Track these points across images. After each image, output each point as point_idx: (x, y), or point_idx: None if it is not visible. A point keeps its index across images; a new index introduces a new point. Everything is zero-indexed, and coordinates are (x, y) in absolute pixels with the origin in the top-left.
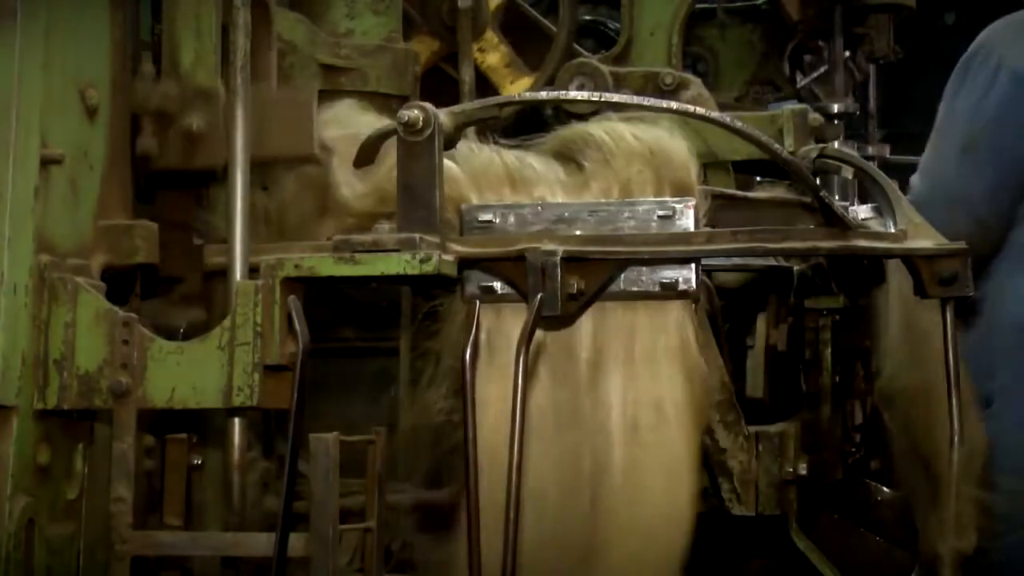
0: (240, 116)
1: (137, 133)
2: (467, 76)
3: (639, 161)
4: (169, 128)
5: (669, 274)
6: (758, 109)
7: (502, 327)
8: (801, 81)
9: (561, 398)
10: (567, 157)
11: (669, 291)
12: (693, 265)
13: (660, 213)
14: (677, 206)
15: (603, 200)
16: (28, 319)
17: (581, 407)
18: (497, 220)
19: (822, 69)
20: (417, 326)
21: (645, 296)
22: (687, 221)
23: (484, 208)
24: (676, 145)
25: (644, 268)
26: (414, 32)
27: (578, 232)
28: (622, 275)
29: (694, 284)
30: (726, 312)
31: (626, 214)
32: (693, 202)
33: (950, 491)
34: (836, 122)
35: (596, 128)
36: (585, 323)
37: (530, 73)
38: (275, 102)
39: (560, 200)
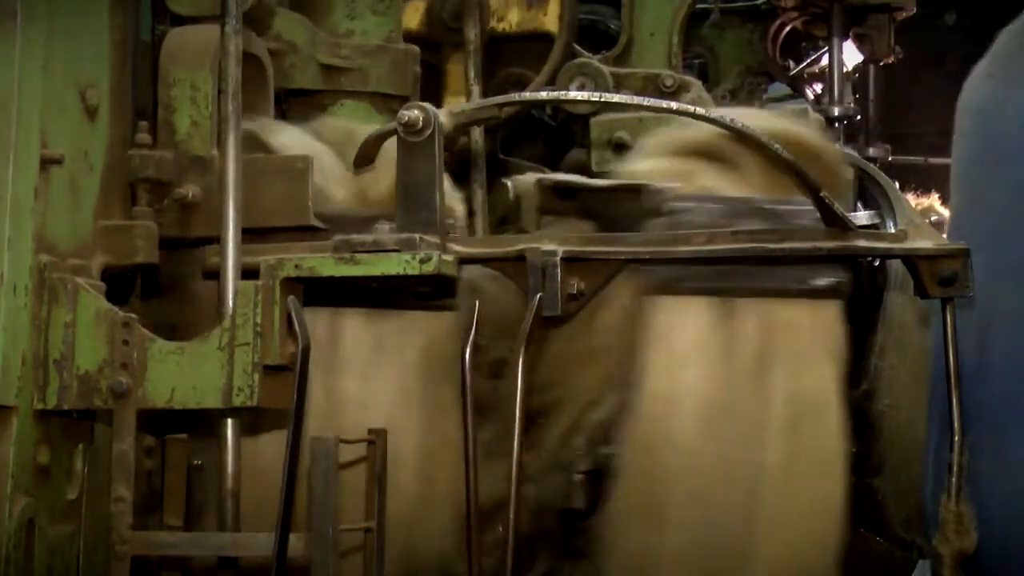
0: (232, 110)
1: (133, 203)
2: (472, 75)
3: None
4: (164, 197)
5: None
6: (753, 100)
7: None
8: (795, 69)
9: None
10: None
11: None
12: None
13: None
14: None
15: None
16: (28, 319)
17: None
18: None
19: (814, 55)
20: None
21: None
22: None
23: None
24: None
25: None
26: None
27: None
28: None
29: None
30: None
31: None
32: None
33: (950, 491)
34: (836, 125)
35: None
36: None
37: None
38: (270, 170)
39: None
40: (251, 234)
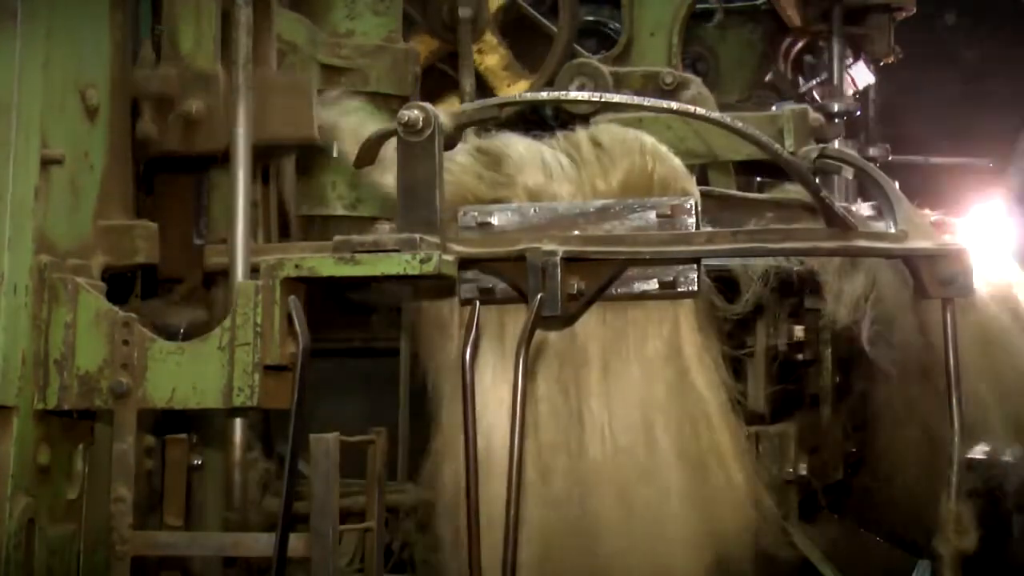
0: (242, 113)
1: (137, 118)
2: (467, 84)
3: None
4: (169, 112)
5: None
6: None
7: None
8: (804, 86)
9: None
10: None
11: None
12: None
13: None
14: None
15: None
16: (28, 319)
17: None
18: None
19: (824, 76)
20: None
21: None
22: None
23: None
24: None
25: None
26: (413, 32)
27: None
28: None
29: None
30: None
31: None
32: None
33: (950, 491)
34: (837, 121)
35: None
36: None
37: (528, 76)
38: (274, 86)
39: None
40: None
